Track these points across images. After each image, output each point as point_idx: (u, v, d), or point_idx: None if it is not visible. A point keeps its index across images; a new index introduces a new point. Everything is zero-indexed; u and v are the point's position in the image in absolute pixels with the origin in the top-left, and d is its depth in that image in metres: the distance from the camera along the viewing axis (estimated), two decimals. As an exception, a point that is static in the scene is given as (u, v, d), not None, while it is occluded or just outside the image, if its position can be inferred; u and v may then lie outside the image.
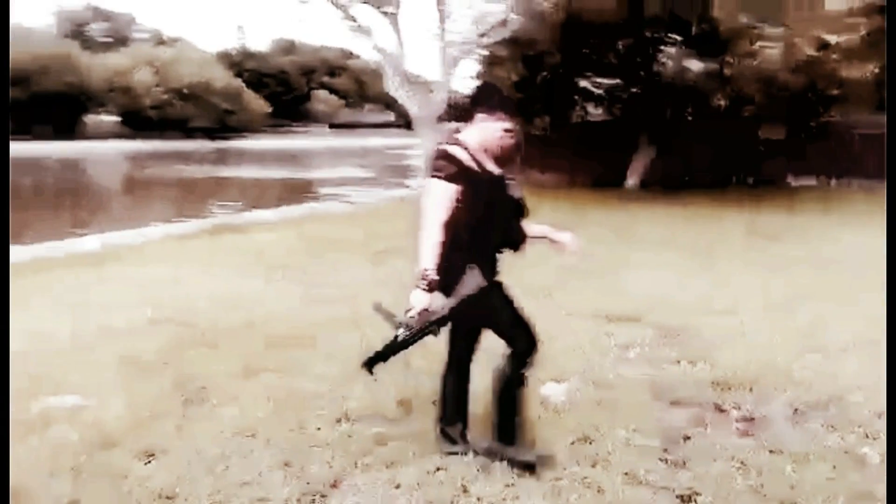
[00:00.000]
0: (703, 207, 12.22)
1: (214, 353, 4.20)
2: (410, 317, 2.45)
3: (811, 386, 3.64)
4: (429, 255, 2.48)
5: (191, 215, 14.18)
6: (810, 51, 11.47)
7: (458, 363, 2.88)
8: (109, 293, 6.03)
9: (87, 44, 62.06)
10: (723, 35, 11.91)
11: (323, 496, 2.61)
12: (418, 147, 13.67)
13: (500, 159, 2.72)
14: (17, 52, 46.47)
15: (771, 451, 2.92)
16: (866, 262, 6.71)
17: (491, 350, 2.86)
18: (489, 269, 2.67)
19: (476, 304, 2.58)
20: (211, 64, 61.75)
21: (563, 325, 4.66)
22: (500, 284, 2.73)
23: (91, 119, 55.85)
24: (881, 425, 3.10)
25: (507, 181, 2.71)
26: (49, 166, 32.37)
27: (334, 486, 2.68)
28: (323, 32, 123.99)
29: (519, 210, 2.77)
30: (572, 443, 2.98)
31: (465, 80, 16.35)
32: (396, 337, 2.51)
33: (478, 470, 2.72)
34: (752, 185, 15.72)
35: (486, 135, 2.67)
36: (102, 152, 41.46)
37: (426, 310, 2.46)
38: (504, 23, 13.40)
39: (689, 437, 3.09)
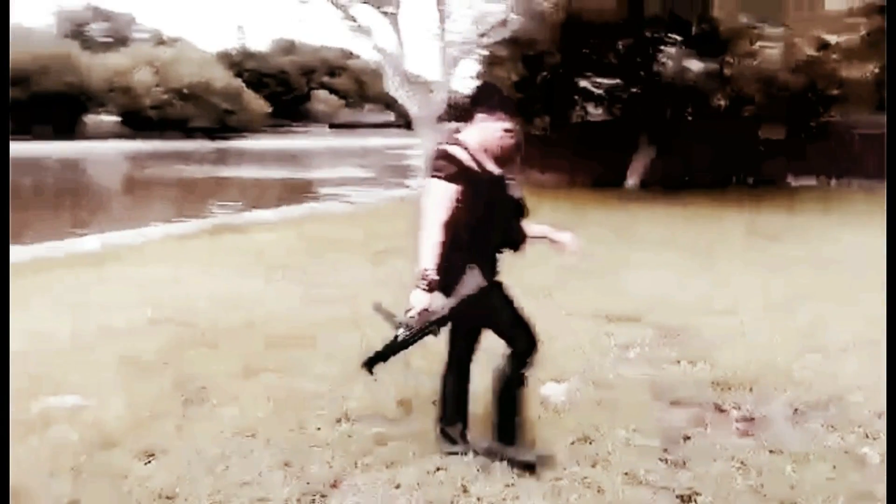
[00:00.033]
0: (703, 207, 12.23)
1: (214, 353, 4.20)
2: (410, 317, 2.45)
3: (811, 386, 3.64)
4: (429, 255, 2.48)
5: (191, 215, 14.18)
6: (810, 51, 11.46)
7: (458, 363, 2.88)
8: (109, 293, 6.02)
9: (87, 44, 62.07)
10: (723, 35, 11.91)
11: (323, 496, 2.61)
12: (418, 147, 13.68)
13: (499, 159, 2.72)
14: (18, 52, 46.46)
15: (771, 452, 2.92)
16: (866, 263, 6.71)
17: (491, 350, 2.86)
18: (489, 269, 2.67)
19: (476, 304, 2.58)
20: (211, 64, 61.74)
21: (563, 325, 4.66)
22: (500, 284, 2.73)
23: (91, 119, 55.85)
24: (881, 425, 3.10)
25: (507, 181, 2.71)
26: (49, 166, 32.37)
27: (334, 486, 2.68)
28: (323, 32, 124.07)
29: (519, 210, 2.77)
30: (572, 443, 2.98)
31: (465, 80, 16.36)
32: (396, 337, 2.51)
33: (478, 470, 2.72)
34: (752, 185, 15.73)
35: (486, 135, 2.67)
36: (102, 152, 41.46)
37: (426, 310, 2.46)
38: (504, 23, 13.40)
39: (689, 437, 3.09)
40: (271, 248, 8.50)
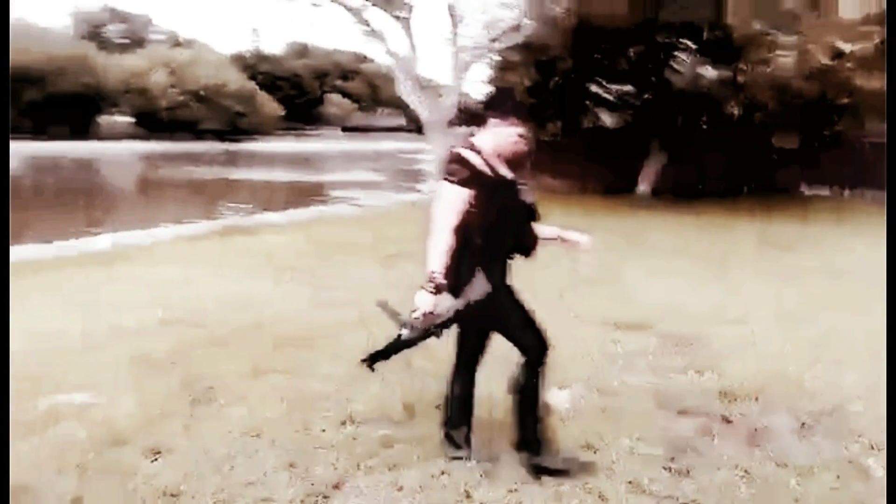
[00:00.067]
0: (716, 216, 12.17)
1: (223, 354, 4.23)
2: (415, 318, 2.46)
3: (821, 397, 3.61)
4: (437, 258, 2.48)
5: (201, 217, 14.27)
6: (824, 59, 11.38)
7: (466, 367, 2.88)
8: (119, 293, 6.08)
9: (104, 45, 62.68)
10: (736, 42, 11.85)
11: (325, 497, 2.62)
12: (430, 151, 13.71)
13: (511, 164, 2.72)
14: (34, 52, 47.10)
15: (777, 464, 2.90)
16: (880, 273, 6.64)
17: (499, 355, 2.86)
18: (500, 274, 2.67)
19: (485, 307, 2.59)
20: (226, 66, 62.18)
21: (570, 331, 4.65)
22: (510, 288, 2.73)
23: (105, 120, 56.34)
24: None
25: (519, 186, 2.72)
26: (64, 166, 32.68)
27: (337, 487, 2.69)
28: (336, 36, 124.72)
29: (531, 215, 2.77)
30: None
31: (477, 85, 16.42)
32: (399, 336, 2.51)
33: (481, 475, 2.72)
34: (765, 193, 15.62)
35: (499, 139, 2.67)
36: (116, 153, 41.80)
37: (431, 312, 2.47)
38: (517, 28, 13.44)
39: (694, 447, 3.07)
40: (281, 251, 8.54)
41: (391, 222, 11.76)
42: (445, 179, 2.56)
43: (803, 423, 3.33)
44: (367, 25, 13.26)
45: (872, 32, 11.00)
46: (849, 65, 11.48)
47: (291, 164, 36.59)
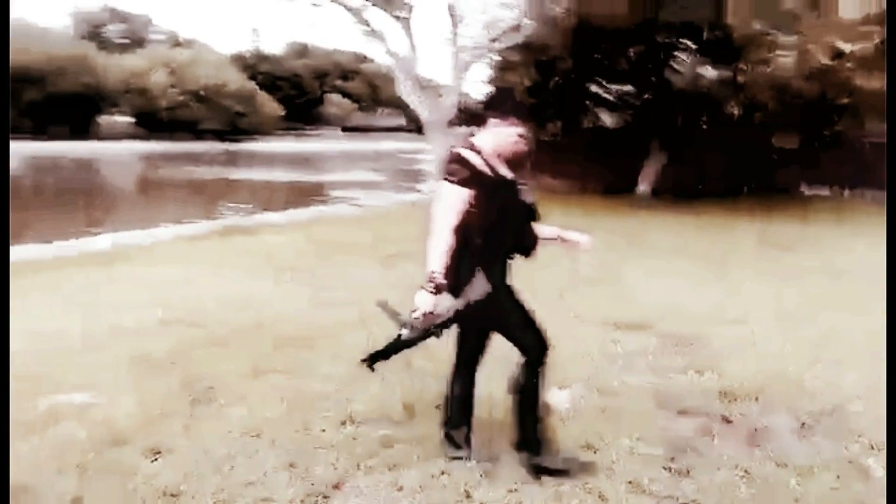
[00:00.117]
0: (716, 216, 12.17)
1: (223, 354, 4.23)
2: (415, 318, 2.46)
3: (821, 397, 3.61)
4: (437, 258, 2.48)
5: (201, 217, 14.26)
6: (824, 59, 11.38)
7: (466, 367, 2.88)
8: (119, 293, 6.08)
9: (104, 45, 62.65)
10: (736, 42, 11.85)
11: (325, 497, 2.62)
12: (430, 151, 13.71)
13: (511, 164, 2.72)
14: (34, 52, 47.08)
15: (777, 464, 2.90)
16: (880, 273, 6.64)
17: (499, 355, 2.86)
18: (500, 274, 2.67)
19: (485, 307, 2.59)
20: (226, 66, 62.16)
21: (570, 331, 4.64)
22: (510, 288, 2.73)
23: (105, 120, 56.32)
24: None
25: (519, 186, 2.72)
26: (64, 166, 32.69)
27: (337, 487, 2.69)
28: (336, 36, 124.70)
29: (531, 215, 2.77)
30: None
31: (477, 85, 16.42)
32: (399, 336, 2.51)
33: (481, 475, 2.72)
34: (765, 194, 15.62)
35: (499, 139, 2.67)
36: (116, 153, 41.82)
37: (431, 312, 2.47)
38: (517, 28, 13.44)
39: (694, 447, 3.07)
40: (281, 251, 8.54)
41: (391, 222, 11.77)
42: (445, 179, 2.56)
43: (803, 423, 3.33)
44: (367, 25, 13.27)
45: (872, 32, 11.00)
46: (849, 65, 11.48)
47: (291, 163, 36.59)
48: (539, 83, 13.92)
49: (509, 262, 2.72)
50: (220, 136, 55.43)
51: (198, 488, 2.65)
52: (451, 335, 2.72)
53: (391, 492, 2.65)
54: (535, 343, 2.68)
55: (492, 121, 2.70)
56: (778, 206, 13.80)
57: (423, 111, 13.24)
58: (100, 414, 3.32)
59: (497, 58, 15.08)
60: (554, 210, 3.02)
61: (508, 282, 2.72)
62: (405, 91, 13.21)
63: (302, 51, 79.15)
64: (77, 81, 51.17)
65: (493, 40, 13.62)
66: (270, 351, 4.30)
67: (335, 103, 77.48)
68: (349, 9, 13.24)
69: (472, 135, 2.74)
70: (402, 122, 67.18)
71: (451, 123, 13.38)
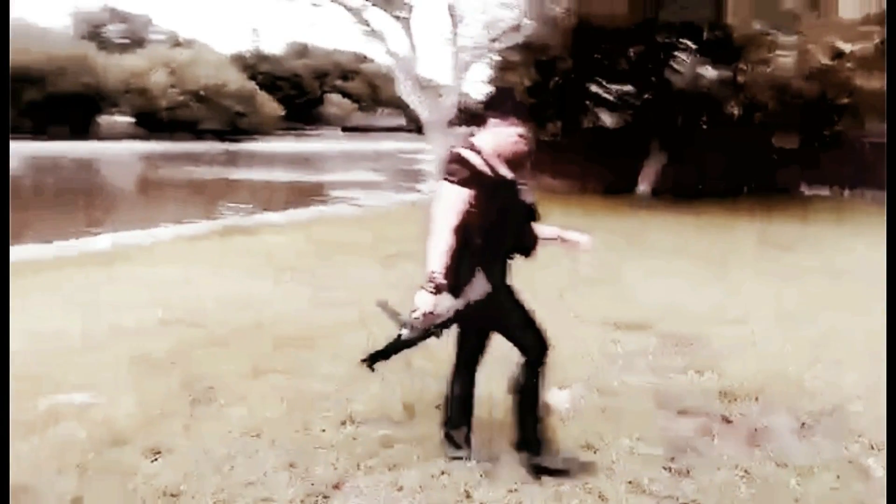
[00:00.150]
0: (716, 216, 12.17)
1: (223, 354, 4.23)
2: (415, 317, 2.46)
3: (821, 397, 3.61)
4: (437, 258, 2.48)
5: (201, 217, 14.26)
6: (824, 59, 11.38)
7: (466, 367, 2.88)
8: (119, 293, 6.08)
9: (104, 45, 62.62)
10: (736, 42, 11.86)
11: (325, 497, 2.62)
12: (430, 151, 13.71)
13: (511, 164, 2.72)
14: (34, 52, 47.06)
15: (777, 464, 2.90)
16: (880, 273, 6.64)
17: (499, 355, 2.86)
18: (500, 274, 2.67)
19: (485, 307, 2.59)
20: (226, 66, 62.15)
21: (570, 331, 4.65)
22: (510, 288, 2.73)
23: (105, 120, 56.32)
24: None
25: (519, 186, 2.72)
26: (64, 166, 32.69)
27: (337, 487, 2.69)
28: (336, 36, 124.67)
29: (531, 215, 2.77)
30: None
31: (477, 85, 16.42)
32: (399, 336, 2.51)
33: (481, 475, 2.72)
34: (765, 193, 15.63)
35: (499, 139, 2.67)
36: (116, 153, 41.82)
37: (431, 312, 2.47)
38: (517, 28, 13.44)
39: (694, 447, 3.07)
40: (281, 251, 8.55)
41: (391, 222, 11.77)
42: (445, 179, 2.56)
43: (803, 423, 3.33)
44: (367, 25, 13.27)
45: (872, 32, 11.01)
46: (849, 65, 11.48)
47: (291, 163, 36.60)
48: (539, 83, 13.93)
49: (509, 262, 2.72)
50: (220, 136, 55.42)
51: (198, 488, 2.65)
52: (451, 335, 2.72)
53: (391, 492, 2.65)
54: (535, 343, 2.68)
55: (492, 121, 2.70)
56: (778, 206, 13.81)
57: (422, 111, 13.24)
58: (100, 414, 3.32)
59: (497, 58, 15.08)
60: (554, 210, 3.02)
61: (508, 282, 2.72)
62: (405, 91, 13.20)
63: (302, 51, 79.14)
64: (77, 81, 51.17)
65: (493, 40, 13.61)
66: (270, 351, 4.30)
67: (335, 103, 77.47)
68: (349, 9, 13.24)
69: (472, 135, 2.74)
70: (402, 122, 67.18)
71: (451, 123, 13.38)
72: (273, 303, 5.65)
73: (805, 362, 4.18)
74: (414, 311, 2.46)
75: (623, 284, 6.52)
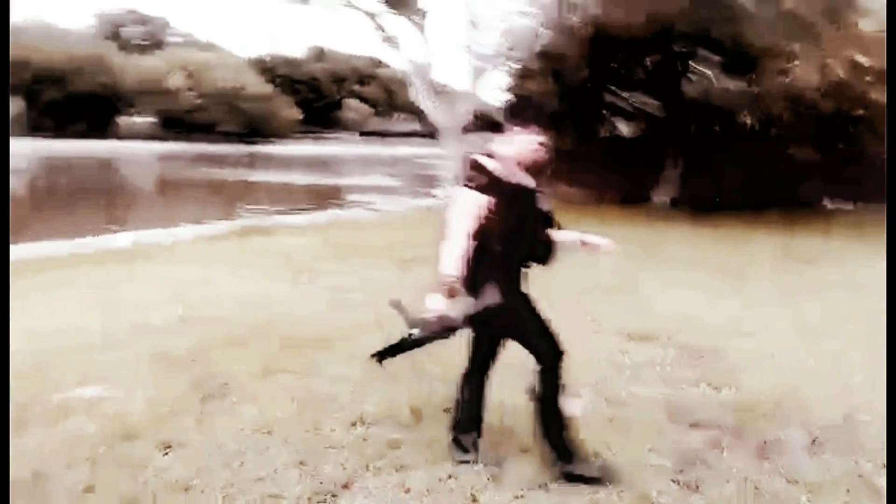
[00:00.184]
0: (735, 229, 12.06)
1: (239, 353, 4.27)
2: (427, 319, 2.48)
3: (837, 412, 3.56)
4: (451, 262, 2.50)
5: (220, 217, 14.40)
6: (843, 72, 11.29)
7: (478, 372, 2.89)
8: (140, 291, 6.16)
9: (123, 46, 63.39)
10: (753, 53, 11.80)
11: (334, 496, 2.64)
12: (445, 157, 13.76)
13: (530, 172, 2.74)
14: (54, 52, 47.86)
15: (787, 480, 2.87)
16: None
17: (512, 362, 2.87)
18: (516, 281, 2.68)
19: (502, 314, 2.60)
20: (244, 69, 62.74)
21: (585, 341, 4.62)
22: (526, 295, 2.73)
23: (123, 120, 57.06)
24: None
25: (537, 193, 2.73)
26: (83, 165, 33.14)
27: (346, 487, 2.71)
28: (353, 41, 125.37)
29: (548, 223, 2.78)
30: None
31: (494, 92, 16.45)
32: (410, 335, 2.53)
33: (488, 479, 2.72)
34: (786, 207, 15.47)
35: (520, 147, 2.69)
36: (134, 153, 42.33)
37: (443, 315, 2.48)
38: (534, 36, 13.47)
39: (704, 461, 3.04)
40: (298, 252, 8.61)
41: (407, 227, 11.81)
42: (465, 185, 2.58)
43: (814, 439, 3.28)
44: (384, 31, 13.36)
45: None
46: (868, 78, 11.37)
47: (309, 167, 36.83)
48: (556, 92, 13.94)
49: (525, 270, 2.73)
50: (239, 138, 55.90)
51: (208, 482, 2.68)
52: (464, 340, 2.74)
53: (398, 493, 2.66)
54: (550, 351, 2.68)
55: (513, 128, 2.71)
56: (800, 219, 13.64)
57: (437, 117, 13.29)
58: (117, 408, 3.37)
59: (514, 66, 15.11)
60: (570, 220, 3.01)
61: (524, 290, 2.73)
62: (419, 97, 13.27)
63: (320, 55, 79.65)
64: (94, 81, 51.88)
65: (511, 48, 13.65)
66: (285, 351, 4.34)
67: (353, 108, 77.91)
68: (366, 13, 13.34)
69: (490, 141, 2.76)
70: (417, 127, 67.39)
71: (466, 130, 13.42)
72: (290, 304, 5.70)
73: (822, 377, 4.13)
74: (426, 312, 2.48)
75: (639, 295, 6.48)
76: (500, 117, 2.88)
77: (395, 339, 2.62)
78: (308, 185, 26.48)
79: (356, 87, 79.78)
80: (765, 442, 3.23)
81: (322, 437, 3.11)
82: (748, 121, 12.07)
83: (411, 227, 11.47)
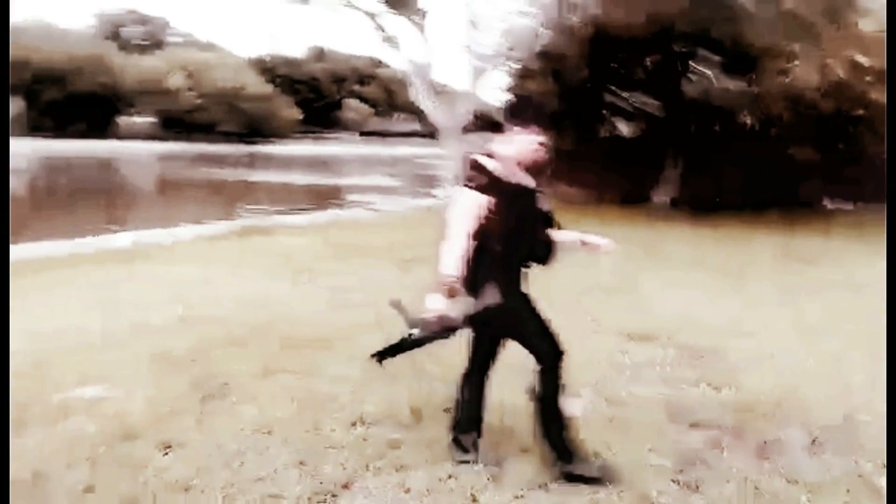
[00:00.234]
0: (735, 229, 12.06)
1: (239, 353, 4.27)
2: (427, 319, 2.48)
3: (837, 412, 3.56)
4: (451, 262, 2.50)
5: (220, 217, 14.40)
6: (842, 72, 11.29)
7: (478, 372, 2.89)
8: (140, 290, 6.16)
9: (124, 46, 63.38)
10: (753, 53, 11.80)
11: (334, 496, 2.64)
12: (445, 157, 13.76)
13: (530, 171, 2.74)
14: (54, 52, 47.85)
15: (787, 480, 2.87)
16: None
17: (513, 362, 2.87)
18: (516, 281, 2.69)
19: (502, 314, 2.60)
20: (244, 69, 62.74)
21: (585, 341, 4.63)
22: (526, 295, 2.73)
23: (123, 120, 57.06)
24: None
25: (537, 193, 2.73)
26: (83, 165, 33.15)
27: (346, 487, 2.71)
28: (353, 41, 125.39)
29: (548, 223, 2.78)
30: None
31: (494, 92, 16.45)
32: (410, 335, 2.54)
33: (488, 479, 2.72)
34: (785, 207, 15.47)
35: (520, 147, 2.69)
36: (134, 153, 42.33)
37: (443, 315, 2.48)
38: (534, 36, 13.47)
39: (704, 460, 3.04)
40: (298, 252, 8.61)
41: (407, 227, 11.80)
42: (465, 185, 2.58)
43: (814, 439, 3.29)
44: (384, 31, 13.37)
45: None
46: (868, 78, 11.37)
47: (310, 167, 36.83)
48: (556, 92, 13.94)
49: (525, 270, 2.73)
50: (239, 138, 55.90)
51: (208, 482, 2.68)
52: (465, 340, 2.74)
53: (398, 493, 2.67)
54: (550, 351, 2.68)
55: (513, 128, 2.71)
56: (800, 219, 13.64)
57: (437, 117, 13.29)
58: (117, 408, 3.38)
59: (514, 66, 15.11)
60: (570, 220, 3.02)
61: (524, 290, 2.73)
62: (420, 96, 13.27)
63: (320, 55, 79.61)
64: (94, 81, 51.88)
65: (511, 48, 13.66)
66: (285, 351, 4.34)
67: (353, 108, 77.90)
68: (366, 13, 13.34)
69: (490, 141, 2.76)
70: (417, 127, 67.37)
71: (466, 129, 13.42)
72: (290, 304, 5.70)
73: (824, 377, 4.13)
74: (426, 312, 2.48)
75: (639, 295, 6.48)
76: (500, 117, 2.88)
77: (395, 339, 2.62)
78: (308, 185, 26.47)
79: (356, 87, 79.76)
80: (765, 442, 3.23)
81: (322, 437, 3.11)
82: (748, 121, 12.07)
83: (411, 227, 11.47)
